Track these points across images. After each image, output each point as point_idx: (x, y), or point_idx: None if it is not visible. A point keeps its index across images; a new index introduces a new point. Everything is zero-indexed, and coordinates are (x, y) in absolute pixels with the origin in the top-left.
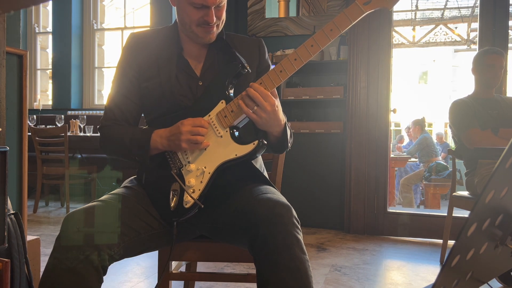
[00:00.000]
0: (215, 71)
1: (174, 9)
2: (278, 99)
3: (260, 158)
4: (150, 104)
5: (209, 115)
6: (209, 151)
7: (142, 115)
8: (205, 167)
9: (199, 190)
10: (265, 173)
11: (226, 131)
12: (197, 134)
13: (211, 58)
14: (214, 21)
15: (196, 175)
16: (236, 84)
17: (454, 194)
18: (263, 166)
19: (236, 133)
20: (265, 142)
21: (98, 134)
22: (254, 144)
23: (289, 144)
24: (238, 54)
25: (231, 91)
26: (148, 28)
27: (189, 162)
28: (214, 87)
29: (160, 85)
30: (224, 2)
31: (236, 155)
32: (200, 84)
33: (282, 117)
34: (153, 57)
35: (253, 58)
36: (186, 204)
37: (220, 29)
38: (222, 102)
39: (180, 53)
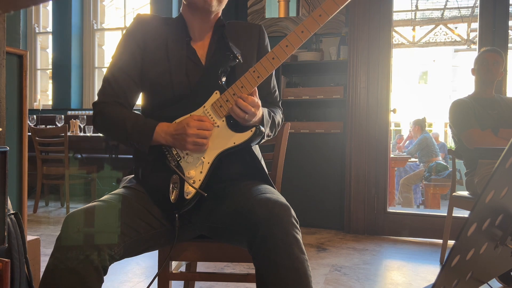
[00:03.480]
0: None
1: (174, 9)
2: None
3: (257, 148)
4: (153, 88)
5: (204, 106)
6: None
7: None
8: (204, 158)
9: (199, 180)
10: (263, 162)
11: (223, 121)
12: (203, 137)
13: (213, 46)
14: None
15: (196, 166)
16: (230, 73)
17: (454, 194)
18: (260, 155)
19: (232, 121)
20: (262, 129)
21: (92, 109)
22: (251, 131)
23: (269, 133)
24: (231, 44)
25: (224, 80)
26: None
27: (187, 154)
28: (208, 78)
29: (169, 72)
30: None
31: (234, 143)
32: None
33: (261, 111)
34: (162, 41)
35: (252, 44)
36: (187, 195)
37: (221, 5)
38: (216, 93)
39: (189, 41)
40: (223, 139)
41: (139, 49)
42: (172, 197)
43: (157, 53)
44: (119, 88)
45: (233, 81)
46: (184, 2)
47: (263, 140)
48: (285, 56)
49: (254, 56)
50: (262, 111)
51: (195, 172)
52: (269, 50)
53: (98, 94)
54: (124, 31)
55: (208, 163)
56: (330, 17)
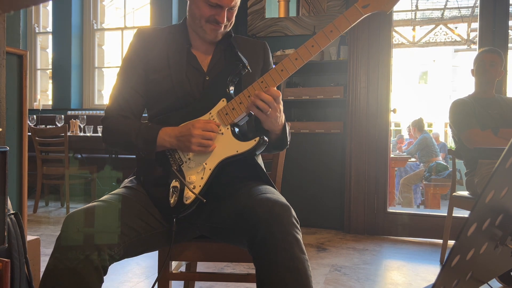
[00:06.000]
0: (220, 68)
1: (174, 9)
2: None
3: (259, 157)
4: (157, 96)
5: (210, 113)
6: None
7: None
8: (205, 164)
9: (200, 186)
10: (262, 164)
11: (227, 129)
12: (208, 138)
13: (217, 55)
14: (224, 22)
15: (197, 172)
16: (237, 83)
17: (454, 194)
18: (262, 164)
19: (237, 130)
20: (266, 139)
21: (99, 129)
22: (255, 141)
23: (288, 142)
24: (240, 54)
25: (232, 89)
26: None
27: (189, 159)
28: (215, 86)
29: (170, 77)
30: (237, 6)
31: (237, 151)
32: (207, 79)
33: (283, 116)
34: (163, 50)
35: (258, 61)
36: (186, 200)
37: (228, 30)
38: (223, 101)
39: (189, 48)
40: (227, 146)
41: (142, 63)
42: (172, 201)
43: (158, 62)
44: (125, 103)
45: (237, 91)
46: (187, 18)
47: (284, 147)
48: (294, 68)
49: (258, 72)
50: (284, 120)
51: (196, 178)
52: (273, 66)
53: (105, 111)
54: (127, 46)
55: (210, 169)
56: (341, 33)
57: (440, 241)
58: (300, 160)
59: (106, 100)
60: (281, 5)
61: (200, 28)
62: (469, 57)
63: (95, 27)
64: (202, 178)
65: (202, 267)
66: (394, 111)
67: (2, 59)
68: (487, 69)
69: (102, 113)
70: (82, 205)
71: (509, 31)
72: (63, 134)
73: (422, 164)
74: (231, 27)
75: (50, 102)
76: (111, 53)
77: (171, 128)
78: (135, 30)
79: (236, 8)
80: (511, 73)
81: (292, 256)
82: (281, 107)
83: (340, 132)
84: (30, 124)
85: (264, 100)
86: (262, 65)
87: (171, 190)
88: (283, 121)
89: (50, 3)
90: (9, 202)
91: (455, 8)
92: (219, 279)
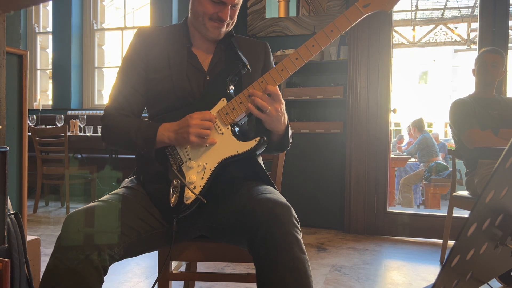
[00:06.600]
0: (221, 68)
1: (174, 9)
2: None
3: (260, 156)
4: (157, 95)
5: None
6: (210, 147)
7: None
8: (206, 164)
9: (200, 186)
10: (262, 164)
11: (228, 128)
12: (206, 128)
13: (218, 55)
14: (227, 19)
15: (197, 172)
16: (237, 83)
17: (454, 194)
18: (262, 164)
19: (237, 130)
20: (266, 139)
21: (99, 129)
22: (255, 141)
23: (289, 144)
24: (240, 54)
25: (232, 88)
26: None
27: (190, 159)
28: (215, 85)
29: (171, 77)
30: (239, 4)
31: (237, 151)
32: (208, 78)
33: (286, 116)
34: (163, 50)
35: (258, 60)
36: (186, 200)
37: (229, 28)
38: (223, 100)
39: (190, 48)
40: (227, 146)
41: (142, 63)
42: (172, 201)
43: (159, 61)
44: (125, 101)
45: (238, 91)
46: (189, 16)
47: (286, 148)
48: (294, 68)
49: (258, 72)
50: (287, 120)
51: (196, 178)
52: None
53: (104, 109)
54: (127, 46)
55: (210, 169)
56: (342, 33)
57: (440, 241)
58: (300, 160)
59: (106, 100)
60: (281, 5)
61: (202, 25)
62: (469, 57)
63: (95, 27)
64: (202, 178)
65: (202, 267)
66: (394, 111)
67: (2, 59)
68: (488, 70)
69: (102, 113)
70: (82, 205)
71: (509, 31)
72: (63, 134)
73: (422, 164)
74: (233, 25)
75: (50, 102)
76: (111, 53)
77: (170, 124)
78: (136, 30)
79: (239, 7)
80: (511, 73)
81: (292, 256)
82: (283, 106)
83: (340, 132)
84: (30, 124)
85: (262, 99)
86: (262, 65)
87: (171, 190)
88: (286, 122)
89: (50, 3)
90: (9, 202)
91: (455, 8)
92: (219, 279)
